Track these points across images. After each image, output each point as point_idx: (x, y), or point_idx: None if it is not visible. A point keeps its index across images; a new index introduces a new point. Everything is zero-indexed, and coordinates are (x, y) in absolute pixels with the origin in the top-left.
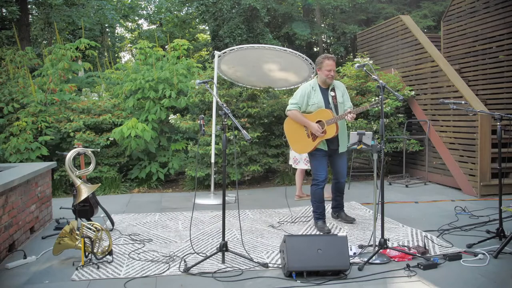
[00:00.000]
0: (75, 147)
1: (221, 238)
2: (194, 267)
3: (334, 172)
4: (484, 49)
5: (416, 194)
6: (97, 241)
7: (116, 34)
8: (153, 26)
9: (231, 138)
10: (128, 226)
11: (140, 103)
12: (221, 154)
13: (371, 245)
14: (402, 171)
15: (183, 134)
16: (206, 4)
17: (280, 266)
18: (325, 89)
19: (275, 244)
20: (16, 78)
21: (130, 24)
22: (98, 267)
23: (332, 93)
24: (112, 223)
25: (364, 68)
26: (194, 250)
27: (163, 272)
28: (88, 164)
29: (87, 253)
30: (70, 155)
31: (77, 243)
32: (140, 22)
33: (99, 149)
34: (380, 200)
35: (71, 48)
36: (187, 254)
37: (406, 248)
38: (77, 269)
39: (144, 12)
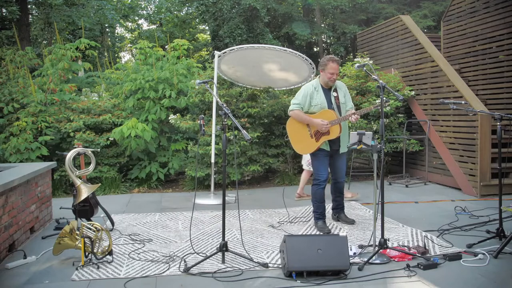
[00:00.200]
0: (75, 147)
1: (221, 238)
2: (194, 267)
3: (333, 172)
4: (484, 49)
5: (416, 194)
6: (97, 241)
7: (116, 34)
8: (153, 26)
9: (231, 138)
10: (128, 226)
11: (140, 103)
12: (221, 154)
13: (371, 245)
14: (402, 171)
15: (183, 134)
16: (206, 4)
17: (280, 266)
18: (327, 90)
19: (275, 244)
20: (16, 78)
21: (130, 24)
22: (98, 267)
23: (334, 94)
24: (112, 223)
25: (364, 68)
26: (194, 250)
27: (163, 272)
28: (88, 164)
29: (87, 253)
30: (70, 155)
31: (77, 243)
32: (140, 22)
33: (99, 149)
34: (380, 200)
35: (71, 48)
36: (187, 254)
37: (406, 248)
38: (77, 269)
39: (144, 12)
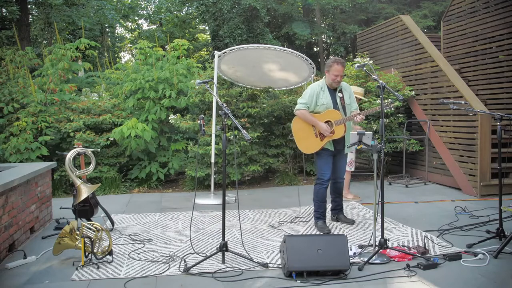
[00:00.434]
0: (75, 147)
1: (221, 238)
2: (194, 267)
3: (333, 172)
4: (484, 49)
5: (416, 194)
6: (97, 241)
7: (116, 34)
8: (153, 26)
9: (231, 138)
10: (128, 226)
11: (140, 103)
12: (221, 154)
13: (371, 245)
14: (402, 171)
15: (183, 134)
16: (206, 4)
17: (280, 266)
18: (333, 91)
19: (275, 244)
20: (16, 78)
21: (130, 24)
22: (98, 267)
23: (340, 95)
24: (112, 223)
25: (364, 68)
26: (194, 250)
27: (163, 272)
28: (88, 164)
29: (87, 253)
30: (70, 155)
31: (77, 243)
32: (140, 22)
33: (99, 149)
34: (380, 200)
35: (71, 48)
36: (187, 254)
37: (406, 248)
38: (77, 269)
39: (144, 12)
